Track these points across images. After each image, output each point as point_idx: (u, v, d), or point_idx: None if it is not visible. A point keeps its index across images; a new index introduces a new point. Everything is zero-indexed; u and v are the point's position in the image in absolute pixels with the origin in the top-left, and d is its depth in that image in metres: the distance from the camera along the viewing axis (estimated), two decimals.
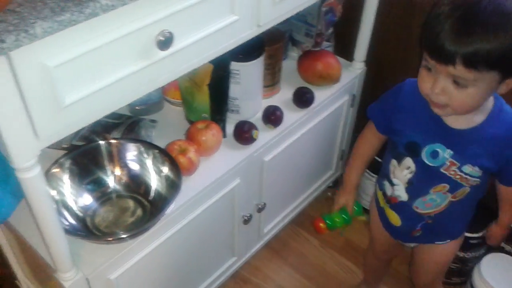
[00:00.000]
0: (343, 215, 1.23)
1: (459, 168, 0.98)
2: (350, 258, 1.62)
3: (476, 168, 0.97)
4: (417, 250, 1.24)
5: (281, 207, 1.54)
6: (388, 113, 1.06)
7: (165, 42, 0.79)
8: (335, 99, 1.44)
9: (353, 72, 1.49)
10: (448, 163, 0.98)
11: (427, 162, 0.99)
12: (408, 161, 1.02)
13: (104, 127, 1.17)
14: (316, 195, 1.69)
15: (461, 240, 1.18)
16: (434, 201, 1.04)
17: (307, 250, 1.64)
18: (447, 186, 1.01)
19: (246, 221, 1.34)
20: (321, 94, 1.39)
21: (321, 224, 1.25)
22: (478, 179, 1.00)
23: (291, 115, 1.32)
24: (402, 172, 1.04)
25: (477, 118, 0.94)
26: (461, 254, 1.41)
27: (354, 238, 1.67)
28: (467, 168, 0.98)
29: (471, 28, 0.81)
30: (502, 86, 0.88)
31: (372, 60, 1.53)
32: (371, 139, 1.16)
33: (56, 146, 1.12)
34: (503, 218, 1.13)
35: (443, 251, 1.17)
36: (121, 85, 0.78)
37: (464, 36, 0.81)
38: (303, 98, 1.34)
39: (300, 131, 1.36)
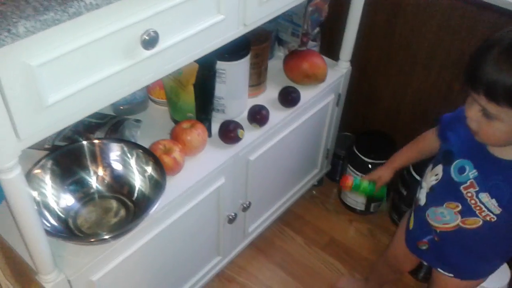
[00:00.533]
0: (370, 185, 1.22)
1: (476, 192, 0.95)
2: (334, 256, 1.62)
3: (493, 202, 0.94)
4: (431, 281, 1.22)
5: (266, 206, 1.54)
6: (451, 121, 1.04)
7: (150, 42, 0.78)
8: (320, 98, 1.44)
9: (338, 71, 1.49)
10: (469, 183, 0.96)
11: (452, 174, 0.98)
12: (439, 168, 1.02)
13: (87, 127, 1.15)
14: (302, 193, 1.69)
15: (473, 284, 1.13)
16: (444, 217, 1.02)
17: (292, 248, 1.64)
18: (460, 207, 0.99)
19: (231, 220, 1.34)
20: (306, 94, 1.39)
21: (349, 182, 1.23)
22: (494, 216, 0.95)
23: (277, 114, 1.32)
24: (431, 177, 1.04)
25: None
26: None
27: (339, 236, 1.68)
28: (484, 197, 0.95)
29: (505, 61, 0.80)
30: None
31: (357, 59, 1.54)
32: (429, 137, 1.13)
33: (38, 146, 1.10)
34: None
35: (451, 284, 1.14)
36: (105, 85, 0.77)
37: (494, 66, 0.80)
38: (288, 98, 1.34)
39: (286, 130, 1.36)
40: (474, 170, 0.95)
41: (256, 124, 1.27)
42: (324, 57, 1.45)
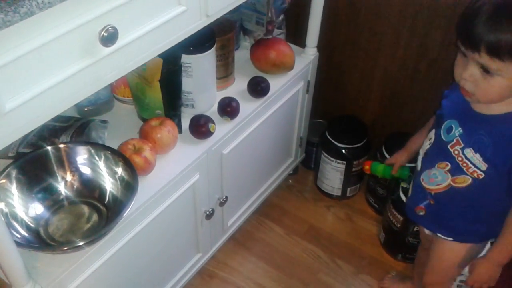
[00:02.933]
0: (386, 168, 1.32)
1: (462, 149, 0.99)
2: (314, 243, 1.63)
3: (478, 156, 0.97)
4: (432, 251, 1.22)
5: (243, 198, 1.53)
6: (447, 93, 1.07)
7: (109, 38, 0.75)
8: (290, 86, 1.43)
9: (306, 58, 1.48)
10: (455, 141, 1.00)
11: (442, 135, 1.03)
12: (432, 133, 1.07)
13: (52, 132, 1.11)
14: (278, 183, 1.68)
15: (472, 250, 1.13)
16: (436, 178, 1.05)
17: (272, 239, 1.64)
18: (449, 165, 1.02)
19: (209, 216, 1.32)
20: (276, 83, 1.37)
21: (366, 165, 1.36)
22: (481, 173, 0.98)
23: (247, 106, 1.30)
24: (426, 142, 1.10)
25: (501, 109, 0.94)
26: None
27: (317, 223, 1.68)
28: (468, 152, 0.98)
29: (501, 18, 0.83)
30: None
31: (324, 45, 1.53)
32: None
33: (1, 155, 1.06)
34: (498, 246, 1.04)
35: (449, 249, 1.15)
36: (66, 86, 0.74)
37: (492, 24, 0.83)
38: (258, 88, 1.32)
39: (258, 121, 1.35)
40: (459, 128, 0.99)
41: (227, 117, 1.26)
42: (291, 45, 1.44)
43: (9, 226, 0.92)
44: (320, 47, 1.50)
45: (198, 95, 1.25)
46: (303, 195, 1.79)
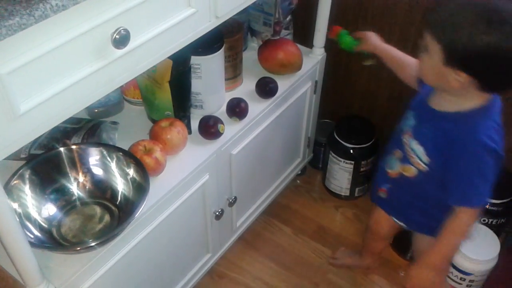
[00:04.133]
0: (354, 41, 1.26)
1: (410, 140, 1.02)
2: (323, 243, 1.63)
3: (421, 149, 1.00)
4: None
5: (252, 199, 1.53)
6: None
7: (121, 40, 0.76)
8: (298, 86, 1.44)
9: (313, 58, 1.49)
10: (407, 131, 1.03)
11: (401, 124, 1.07)
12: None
13: (63, 133, 1.13)
14: (286, 184, 1.69)
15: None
16: (391, 163, 1.10)
17: (280, 239, 1.64)
18: (400, 153, 1.06)
19: (218, 216, 1.33)
20: (283, 83, 1.38)
21: (337, 30, 1.28)
22: (424, 166, 1.01)
23: (256, 106, 1.31)
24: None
25: (452, 107, 0.96)
26: None
27: (325, 223, 1.69)
28: (414, 144, 1.01)
29: (463, 1, 0.87)
30: (452, 76, 0.89)
31: (331, 45, 1.53)
32: (412, 63, 1.12)
33: (14, 156, 1.07)
34: (432, 249, 1.02)
35: (420, 239, 1.21)
36: (79, 88, 0.75)
37: (453, 4, 0.87)
38: (266, 88, 1.33)
39: (266, 122, 1.35)
40: (413, 119, 1.03)
41: (236, 117, 1.26)
42: (298, 45, 1.44)
43: (23, 226, 0.92)
44: (328, 47, 1.51)
45: (207, 96, 1.25)
46: (311, 195, 1.79)
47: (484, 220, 1.46)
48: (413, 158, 1.03)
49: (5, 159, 0.71)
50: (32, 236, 0.95)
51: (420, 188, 1.07)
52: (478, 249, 1.37)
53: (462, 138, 0.93)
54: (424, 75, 0.97)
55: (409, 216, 1.17)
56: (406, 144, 1.04)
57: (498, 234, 1.43)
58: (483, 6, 0.84)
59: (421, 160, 1.01)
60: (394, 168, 1.09)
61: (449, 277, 1.45)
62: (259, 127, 1.33)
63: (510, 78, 0.88)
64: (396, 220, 1.20)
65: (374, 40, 1.23)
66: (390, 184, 1.14)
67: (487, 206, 1.43)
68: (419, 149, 1.00)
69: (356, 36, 1.25)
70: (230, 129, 1.24)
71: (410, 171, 1.05)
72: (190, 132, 1.21)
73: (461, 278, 1.42)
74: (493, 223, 1.46)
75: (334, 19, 1.46)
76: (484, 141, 0.91)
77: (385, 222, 1.28)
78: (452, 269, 1.42)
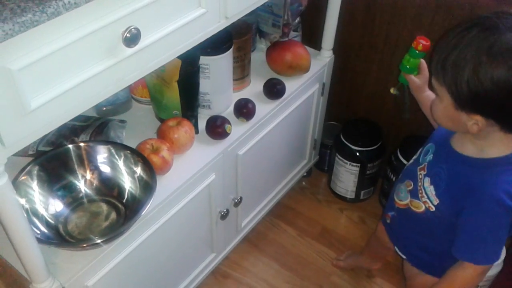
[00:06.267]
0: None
1: (424, 175, 0.97)
2: (327, 245, 1.63)
3: (432, 189, 0.95)
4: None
5: (258, 200, 1.53)
6: None
7: (132, 39, 0.76)
8: (305, 88, 1.44)
9: (321, 60, 1.49)
10: (423, 165, 0.99)
11: (419, 156, 1.02)
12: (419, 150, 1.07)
13: (71, 131, 1.13)
14: (292, 185, 1.69)
15: (423, 279, 1.12)
16: (401, 192, 1.06)
17: (285, 241, 1.64)
18: (412, 186, 1.02)
19: (223, 216, 1.33)
20: (291, 85, 1.38)
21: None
22: (432, 206, 0.96)
23: (263, 107, 1.31)
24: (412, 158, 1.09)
25: (471, 152, 0.90)
26: None
27: (330, 225, 1.69)
28: (426, 181, 0.97)
29: (448, 39, 0.81)
30: (468, 120, 0.82)
31: (339, 48, 1.54)
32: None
33: (22, 153, 1.08)
34: None
35: (410, 267, 1.18)
36: (89, 86, 0.76)
37: (441, 45, 0.82)
38: (274, 90, 1.33)
39: (273, 123, 1.35)
40: (432, 155, 0.97)
41: (243, 118, 1.27)
42: (307, 47, 1.44)
43: (30, 222, 0.93)
44: (336, 49, 1.51)
45: (215, 96, 1.26)
46: (317, 197, 1.79)
47: None
48: (422, 195, 0.97)
49: (13, 155, 0.72)
50: (38, 232, 0.95)
51: (424, 226, 1.02)
52: None
53: (478, 189, 0.86)
54: (439, 121, 0.90)
55: (407, 247, 1.13)
56: (420, 179, 0.98)
57: None
58: (485, 38, 0.76)
59: (429, 199, 0.96)
60: (404, 200, 1.05)
61: None
62: (266, 128, 1.33)
63: None
64: (396, 249, 1.16)
65: (423, 82, 1.10)
66: (395, 212, 1.11)
67: None
68: (429, 188, 0.95)
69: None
70: (237, 129, 1.25)
71: (419, 207, 0.99)
72: (197, 131, 1.22)
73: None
74: None
75: (342, 21, 1.47)
76: (501, 197, 0.83)
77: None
78: None
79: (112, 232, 0.98)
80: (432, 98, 0.95)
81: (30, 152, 1.11)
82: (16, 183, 0.97)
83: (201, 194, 1.19)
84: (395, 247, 1.17)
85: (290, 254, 1.60)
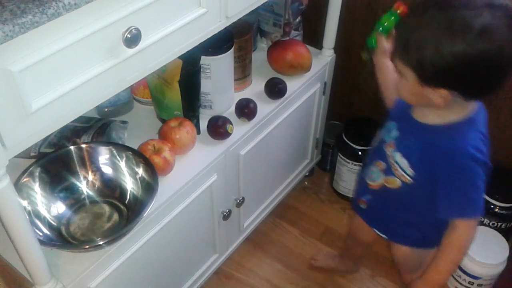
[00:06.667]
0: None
1: (393, 151, 1.00)
2: (330, 245, 1.62)
3: (405, 162, 0.98)
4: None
5: (260, 200, 1.53)
6: None
7: (132, 39, 0.76)
8: (307, 88, 1.43)
9: (323, 59, 1.48)
10: (389, 143, 1.01)
11: (382, 134, 1.05)
12: (380, 131, 1.09)
13: (72, 132, 1.13)
14: (294, 185, 1.68)
15: (423, 255, 1.14)
16: (373, 174, 1.08)
17: (287, 241, 1.64)
18: (384, 165, 1.04)
19: (226, 217, 1.33)
20: (292, 84, 1.38)
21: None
22: (408, 178, 0.99)
23: (265, 107, 1.31)
24: (375, 140, 1.11)
25: (435, 120, 0.93)
26: None
27: (333, 225, 1.68)
28: (398, 156, 0.99)
29: (411, 20, 0.85)
30: (433, 95, 0.86)
31: (340, 47, 1.53)
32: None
33: (23, 154, 1.08)
34: (433, 267, 1.01)
35: (398, 249, 1.20)
36: (90, 87, 0.75)
37: (405, 27, 0.86)
38: (275, 89, 1.32)
39: (275, 123, 1.35)
40: (396, 131, 1.00)
41: (245, 118, 1.26)
42: (308, 46, 1.44)
43: (32, 224, 0.93)
44: (337, 48, 1.50)
45: (216, 96, 1.25)
46: (319, 197, 1.78)
47: (493, 224, 1.45)
48: (397, 170, 1.00)
49: (15, 157, 0.72)
50: (41, 234, 0.95)
51: (404, 200, 1.04)
52: (487, 253, 1.36)
53: (450, 151, 0.91)
54: (405, 99, 0.94)
55: (390, 227, 1.14)
56: (390, 156, 1.01)
57: (507, 237, 1.42)
58: (442, 17, 0.80)
59: (405, 172, 0.99)
60: (377, 180, 1.07)
61: (457, 280, 1.44)
62: (268, 128, 1.33)
63: (490, 81, 0.84)
64: (377, 231, 1.18)
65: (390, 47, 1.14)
66: (370, 195, 1.12)
67: (496, 210, 1.42)
68: (403, 161, 0.98)
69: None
70: (239, 129, 1.24)
71: (394, 183, 1.02)
72: (199, 132, 1.21)
73: (469, 282, 1.41)
74: (502, 226, 1.45)
75: (344, 20, 1.46)
76: (472, 153, 0.89)
77: (365, 229, 1.24)
78: (460, 273, 1.42)
79: (115, 233, 0.97)
80: (391, 68, 1.03)
81: (32, 154, 1.11)
82: (18, 185, 0.97)
83: (203, 194, 1.19)
84: (377, 231, 1.18)
85: (293, 254, 1.60)
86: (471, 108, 0.92)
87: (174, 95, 1.16)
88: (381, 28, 1.10)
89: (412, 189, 1.00)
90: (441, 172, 0.93)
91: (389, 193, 1.05)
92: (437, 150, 0.93)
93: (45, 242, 0.92)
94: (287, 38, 1.46)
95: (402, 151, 0.98)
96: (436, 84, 0.84)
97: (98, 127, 1.15)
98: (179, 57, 0.96)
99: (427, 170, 0.95)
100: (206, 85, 1.21)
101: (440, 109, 0.91)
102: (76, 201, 1.06)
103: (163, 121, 1.22)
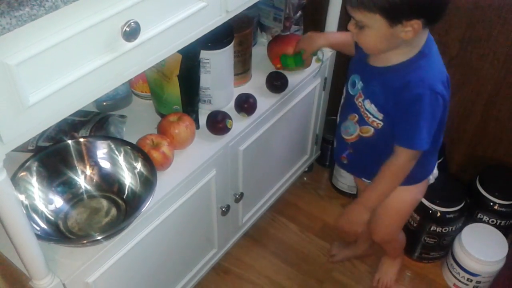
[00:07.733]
0: (297, 58, 1.29)
1: (362, 101, 1.05)
2: (328, 240, 1.62)
3: (373, 107, 1.03)
4: None
5: (259, 195, 1.53)
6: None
7: (131, 33, 0.75)
8: (307, 83, 1.43)
9: (323, 55, 1.47)
10: (358, 94, 1.06)
11: (348, 89, 1.09)
12: (344, 88, 1.13)
13: (71, 126, 1.12)
14: (293, 180, 1.68)
15: (404, 195, 1.18)
16: (349, 128, 1.12)
17: (286, 236, 1.64)
18: (357, 116, 1.08)
19: (224, 212, 1.32)
20: (293, 79, 1.37)
21: (278, 65, 1.34)
22: (379, 122, 1.04)
23: (264, 102, 1.30)
24: (342, 98, 1.16)
25: (393, 60, 0.98)
26: (438, 229, 1.43)
27: (332, 221, 1.68)
28: (367, 103, 1.04)
29: None
30: (402, 31, 0.91)
31: None
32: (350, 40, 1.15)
33: (21, 148, 1.07)
34: (368, 191, 1.11)
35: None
36: (88, 80, 0.75)
37: None
38: (278, 83, 1.32)
39: (274, 118, 1.34)
40: (361, 82, 1.05)
41: (244, 113, 1.26)
42: None
43: (29, 218, 0.92)
44: None
45: (216, 91, 1.25)
46: (318, 193, 1.78)
47: (492, 221, 1.45)
48: (368, 118, 1.05)
49: (12, 150, 0.71)
50: (38, 229, 0.95)
51: (379, 145, 1.08)
52: (486, 250, 1.36)
53: (409, 83, 0.95)
54: (374, 48, 0.98)
55: (374, 172, 1.16)
56: (361, 106, 1.06)
57: (506, 235, 1.42)
58: None
59: (375, 117, 1.04)
60: (354, 133, 1.11)
61: (456, 277, 1.44)
62: (267, 123, 1.32)
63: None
64: (365, 180, 1.22)
65: (315, 40, 1.26)
66: (349, 149, 1.16)
67: (495, 207, 1.42)
68: (372, 107, 1.03)
69: (296, 49, 1.29)
70: (238, 124, 1.24)
71: (368, 131, 1.07)
72: (198, 127, 1.21)
73: (468, 279, 1.41)
74: (501, 224, 1.44)
75: (344, 15, 1.45)
76: (430, 83, 0.94)
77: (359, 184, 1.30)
78: (459, 270, 1.42)
79: (113, 228, 0.97)
80: (340, 39, 1.19)
81: (30, 148, 1.10)
82: (15, 179, 0.97)
83: (202, 190, 1.18)
84: (364, 179, 1.22)
85: (292, 250, 1.60)
86: (420, 43, 0.97)
87: (173, 90, 1.15)
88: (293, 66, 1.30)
89: (384, 132, 1.05)
90: (401, 106, 0.98)
91: (366, 142, 1.10)
92: (401, 84, 0.97)
93: (42, 236, 0.92)
94: (288, 32, 1.45)
95: (370, 97, 1.03)
96: (409, 16, 0.88)
97: (96, 121, 1.14)
98: (179, 51, 0.96)
99: (393, 108, 1.00)
100: (205, 80, 1.21)
101: (401, 48, 0.96)
102: (74, 196, 1.06)
103: (162, 115, 1.21)
